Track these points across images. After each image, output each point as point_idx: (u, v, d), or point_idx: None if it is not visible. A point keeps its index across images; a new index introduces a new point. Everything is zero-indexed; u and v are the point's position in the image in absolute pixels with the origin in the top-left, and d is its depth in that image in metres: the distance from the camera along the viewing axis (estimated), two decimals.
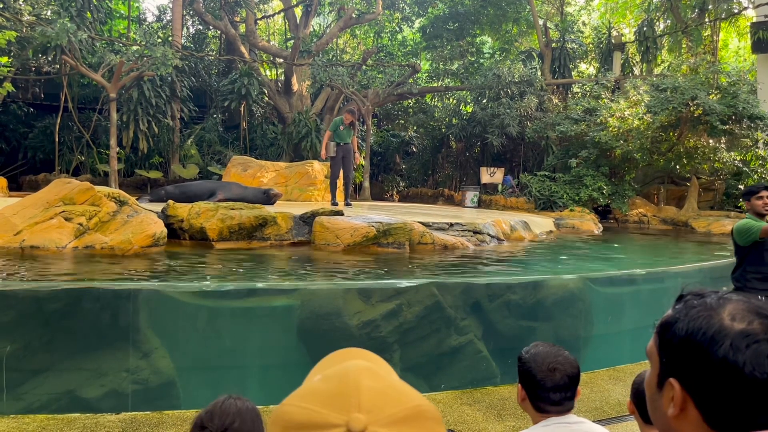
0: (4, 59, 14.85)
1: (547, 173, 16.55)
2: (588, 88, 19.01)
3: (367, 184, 17.54)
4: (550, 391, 2.01)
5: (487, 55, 24.31)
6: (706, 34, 20.18)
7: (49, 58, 15.63)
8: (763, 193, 4.81)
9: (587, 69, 23.79)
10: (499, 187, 17.53)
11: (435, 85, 22.63)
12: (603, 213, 15.67)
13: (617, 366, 6.16)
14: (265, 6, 23.08)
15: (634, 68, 20.94)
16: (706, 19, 19.63)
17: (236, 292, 5.05)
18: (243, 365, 4.92)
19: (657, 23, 21.04)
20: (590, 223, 13.28)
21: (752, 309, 0.87)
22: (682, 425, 0.89)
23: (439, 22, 22.16)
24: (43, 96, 18.63)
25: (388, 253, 7.45)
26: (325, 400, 0.69)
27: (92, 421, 4.23)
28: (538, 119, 17.61)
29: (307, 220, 8.06)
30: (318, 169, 13.51)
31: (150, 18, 22.79)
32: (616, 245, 11.18)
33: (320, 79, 18.13)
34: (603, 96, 16.91)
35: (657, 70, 19.76)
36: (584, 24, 24.05)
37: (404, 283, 5.53)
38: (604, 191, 15.13)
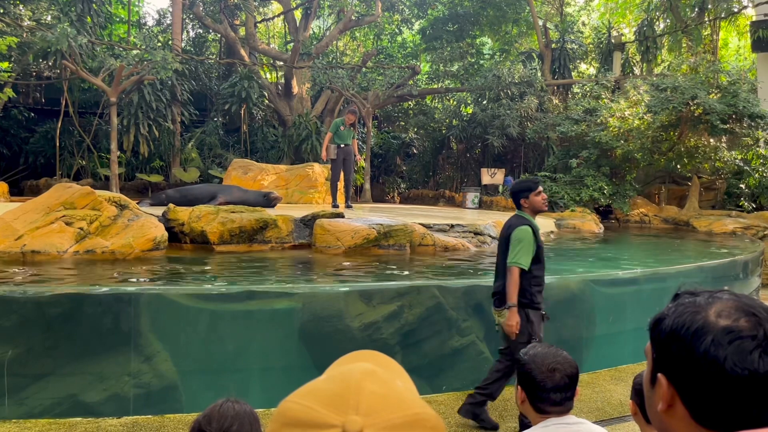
0: (5, 64, 14.89)
1: (547, 174, 16.53)
2: (588, 89, 19.01)
3: (367, 186, 17.54)
4: (550, 392, 2.01)
5: (487, 56, 24.31)
6: (706, 33, 20.17)
7: (50, 63, 15.64)
8: (541, 188, 4.55)
9: (587, 69, 23.79)
10: (500, 188, 17.53)
11: (435, 86, 22.63)
12: (604, 213, 15.66)
13: (619, 366, 6.17)
14: (265, 9, 23.11)
15: (634, 68, 20.94)
16: (706, 19, 19.63)
17: (237, 295, 5.05)
18: (245, 368, 4.92)
19: (657, 23, 21.04)
20: (591, 224, 13.26)
21: (741, 307, 0.87)
22: (672, 421, 0.90)
23: (438, 24, 22.17)
24: (43, 101, 18.66)
25: (389, 255, 7.45)
26: (325, 400, 0.69)
27: (94, 425, 4.23)
28: (538, 120, 17.61)
29: (308, 222, 8.06)
30: (318, 171, 13.51)
31: (150, 22, 22.81)
32: (622, 245, 11.16)
33: (320, 81, 18.13)
34: (603, 96, 16.90)
35: (657, 70, 19.75)
36: (584, 24, 24.05)
37: (405, 284, 5.52)
38: (605, 191, 15.12)
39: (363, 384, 0.71)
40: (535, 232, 4.40)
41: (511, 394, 5.06)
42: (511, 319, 4.26)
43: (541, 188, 4.48)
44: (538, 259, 4.40)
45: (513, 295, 4.27)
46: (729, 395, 0.83)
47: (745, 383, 0.82)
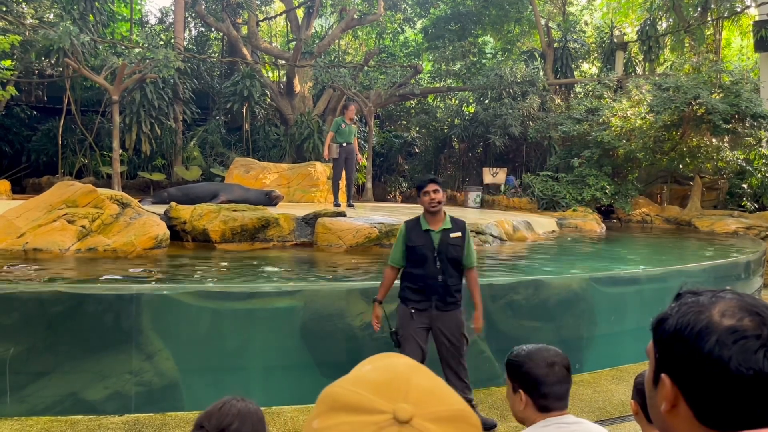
0: (8, 62, 14.89)
1: (549, 173, 16.52)
2: (590, 88, 18.98)
3: (369, 185, 17.52)
4: (554, 386, 2.03)
5: (489, 56, 24.29)
6: (708, 33, 20.12)
7: (52, 61, 15.66)
8: (429, 188, 4.34)
9: (590, 69, 23.76)
10: (502, 188, 17.52)
11: (437, 85, 22.61)
12: (606, 213, 15.64)
13: (620, 366, 6.16)
14: (267, 8, 23.11)
15: (637, 68, 20.91)
16: (709, 18, 19.59)
17: (239, 293, 5.05)
18: (246, 367, 4.92)
19: (659, 22, 21.00)
20: (593, 223, 13.25)
21: (744, 306, 0.87)
22: (675, 421, 0.89)
23: (440, 23, 22.14)
24: (46, 99, 18.67)
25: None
26: (375, 388, 0.71)
27: (95, 423, 4.23)
28: (540, 119, 17.59)
29: (310, 221, 8.07)
30: (320, 170, 13.51)
31: (152, 20, 22.81)
32: (619, 245, 11.16)
33: (322, 80, 18.12)
34: (605, 96, 16.89)
35: (659, 70, 19.73)
36: (586, 24, 24.01)
37: None
38: (606, 191, 15.11)
39: (411, 376, 0.73)
40: (409, 230, 4.44)
41: None
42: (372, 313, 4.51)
43: (428, 188, 4.34)
44: (410, 258, 4.42)
45: (379, 291, 4.55)
46: (733, 395, 0.83)
47: (749, 383, 0.82)
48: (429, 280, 4.35)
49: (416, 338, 4.37)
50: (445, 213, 4.47)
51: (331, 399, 0.72)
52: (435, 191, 4.33)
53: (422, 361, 4.22)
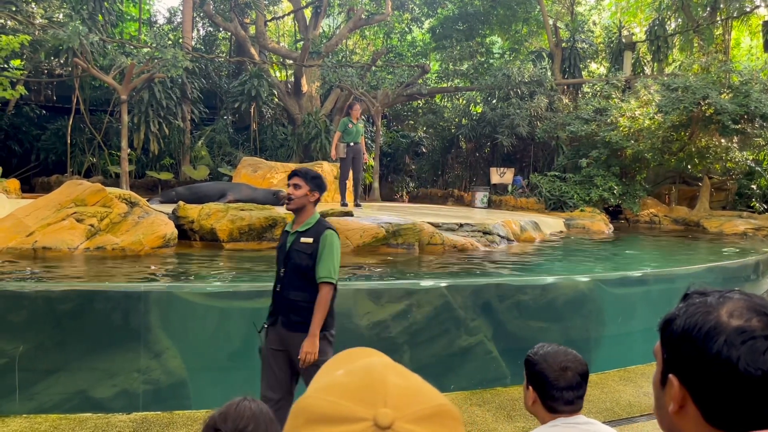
0: (17, 62, 14.99)
1: (557, 173, 16.48)
2: (598, 88, 18.92)
3: (376, 184, 17.52)
4: (563, 391, 2.01)
5: (496, 56, 24.25)
6: (717, 32, 20.02)
7: (61, 61, 15.73)
8: (289, 181, 3.68)
9: (598, 69, 23.67)
10: (509, 188, 17.48)
11: (444, 85, 22.59)
12: (614, 213, 15.59)
13: (628, 367, 6.14)
14: (275, 8, 23.15)
15: (645, 68, 20.83)
16: (718, 18, 19.49)
17: (246, 292, 5.07)
18: (252, 366, 4.93)
19: (668, 22, 20.91)
20: (601, 224, 13.21)
21: (752, 307, 0.87)
22: (683, 422, 0.89)
23: (448, 23, 22.12)
24: (55, 98, 18.76)
25: (397, 254, 7.45)
26: (350, 394, 0.68)
27: (104, 420, 4.26)
28: (548, 119, 17.54)
29: None
30: (327, 170, 13.52)
31: (161, 20, 22.90)
32: (627, 247, 11.11)
33: (330, 80, 18.13)
34: (613, 96, 16.83)
35: (668, 70, 19.64)
36: (595, 23, 23.93)
37: (414, 283, 5.52)
38: (614, 191, 15.06)
39: (387, 377, 0.70)
40: (284, 228, 3.86)
41: (519, 393, 5.05)
42: None
43: (289, 180, 3.70)
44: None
45: None
46: (742, 395, 0.83)
47: (758, 384, 0.82)
48: (275, 289, 3.74)
49: (270, 361, 3.76)
50: (313, 214, 3.72)
51: (306, 411, 0.68)
52: (295, 186, 3.64)
53: (287, 393, 3.76)
